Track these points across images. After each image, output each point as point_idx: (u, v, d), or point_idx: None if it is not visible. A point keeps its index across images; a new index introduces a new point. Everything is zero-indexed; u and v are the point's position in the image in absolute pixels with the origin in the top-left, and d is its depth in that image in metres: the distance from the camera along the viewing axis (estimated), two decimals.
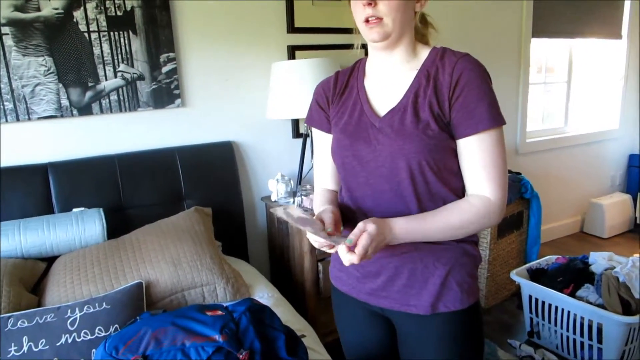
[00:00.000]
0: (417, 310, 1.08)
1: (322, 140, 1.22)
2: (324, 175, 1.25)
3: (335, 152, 1.14)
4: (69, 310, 1.37)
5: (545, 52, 3.76)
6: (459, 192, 1.07)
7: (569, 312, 2.27)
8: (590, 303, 2.21)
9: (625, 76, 4.01)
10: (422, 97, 1.03)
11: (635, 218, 4.06)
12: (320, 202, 1.19)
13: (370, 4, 0.99)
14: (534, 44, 3.42)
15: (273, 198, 2.33)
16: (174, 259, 1.67)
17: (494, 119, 0.99)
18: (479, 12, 3.07)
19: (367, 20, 1.01)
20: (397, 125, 1.03)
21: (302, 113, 2.15)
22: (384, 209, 1.07)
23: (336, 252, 1.24)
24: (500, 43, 3.25)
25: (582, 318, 2.22)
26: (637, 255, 2.62)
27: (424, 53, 1.09)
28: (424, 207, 1.04)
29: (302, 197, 2.11)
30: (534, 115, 3.77)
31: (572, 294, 2.31)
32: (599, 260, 2.45)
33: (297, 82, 2.13)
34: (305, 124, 1.25)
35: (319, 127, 1.22)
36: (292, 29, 2.41)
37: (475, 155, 1.00)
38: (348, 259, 0.91)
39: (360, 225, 0.94)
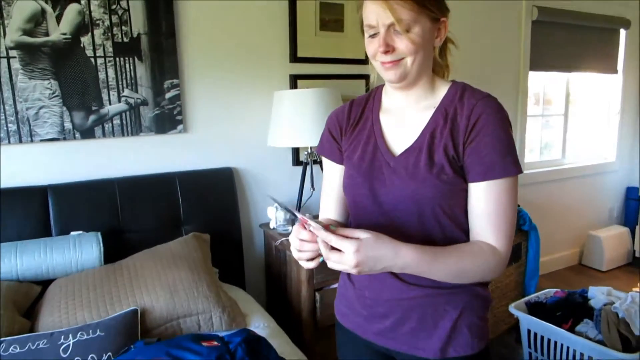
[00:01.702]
0: (425, 354, 1.04)
1: (332, 171, 1.18)
2: (330, 206, 1.20)
3: (348, 189, 1.11)
4: (62, 337, 1.36)
5: (543, 84, 3.81)
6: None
7: (568, 347, 2.24)
8: (590, 339, 2.19)
9: (622, 110, 4.06)
10: (438, 138, 0.99)
11: (634, 251, 4.05)
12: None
13: (387, 52, 0.96)
14: (531, 76, 3.48)
15: (271, 225, 2.33)
16: (171, 286, 1.66)
17: (506, 169, 0.95)
18: (478, 44, 3.13)
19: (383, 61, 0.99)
20: (411, 168, 1.00)
21: (303, 142, 2.17)
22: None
23: (339, 283, 1.22)
24: (499, 75, 3.30)
25: (581, 354, 2.19)
26: (636, 289, 2.61)
27: (442, 90, 1.05)
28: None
29: None
30: (532, 147, 3.80)
31: (571, 329, 2.28)
32: (598, 295, 2.44)
33: (298, 111, 2.15)
34: (316, 153, 1.21)
35: (329, 157, 1.18)
36: (294, 58, 2.45)
37: (482, 203, 0.97)
38: (325, 253, 0.86)
39: (355, 231, 0.88)
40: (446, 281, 0.98)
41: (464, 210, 1.01)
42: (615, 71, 3.95)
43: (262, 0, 2.34)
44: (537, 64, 3.47)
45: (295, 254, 0.95)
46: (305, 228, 0.91)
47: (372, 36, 0.98)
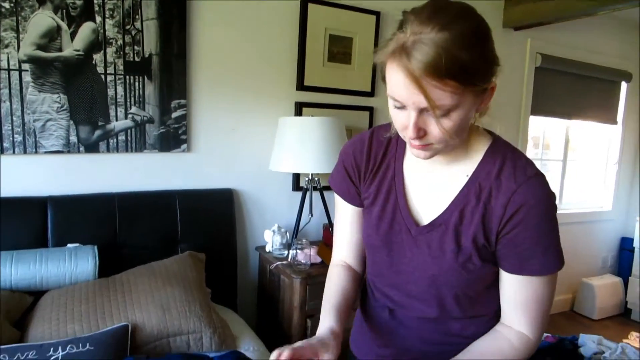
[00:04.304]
0: None
1: (347, 211, 1.06)
2: (345, 247, 1.09)
3: (366, 245, 1.03)
4: (52, 349, 1.35)
5: (543, 128, 3.87)
6: (496, 311, 0.94)
7: None
8: None
9: (620, 160, 4.11)
10: (467, 219, 0.87)
11: (626, 302, 4.03)
12: (332, 292, 1.00)
13: (418, 137, 0.80)
14: (532, 120, 3.54)
15: (267, 249, 2.33)
16: (163, 304, 1.65)
17: (546, 266, 0.84)
18: None
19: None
20: (435, 249, 0.89)
21: (304, 168, 2.20)
22: (412, 312, 0.98)
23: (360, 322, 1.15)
24: (501, 117, 3.36)
25: None
26: (627, 341, 2.60)
27: (478, 153, 0.90)
28: (457, 322, 0.95)
29: (297, 250, 2.11)
30: None
31: None
32: (588, 343, 2.43)
33: (302, 138, 2.19)
34: (329, 184, 1.09)
35: (344, 198, 1.05)
36: (301, 86, 2.50)
37: (517, 294, 0.88)
38: None
39: None
40: None
41: (489, 290, 0.93)
42: (615, 122, 4.01)
43: (273, 28, 2.40)
44: (538, 109, 3.54)
45: None
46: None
47: (399, 108, 0.80)
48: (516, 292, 0.88)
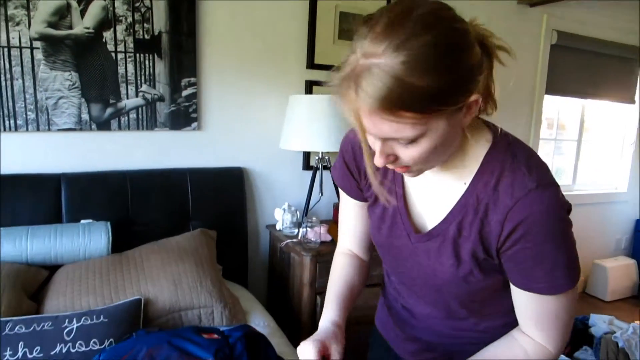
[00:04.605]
0: None
1: (350, 203, 1.04)
2: (350, 238, 1.08)
3: (374, 243, 1.01)
4: (67, 320, 1.38)
5: (558, 109, 3.81)
6: (510, 307, 0.87)
7: None
8: None
9: (636, 141, 4.03)
10: (466, 231, 0.81)
11: (639, 284, 4.01)
12: (336, 283, 1.00)
13: (390, 162, 0.74)
14: (546, 100, 3.48)
15: (278, 227, 2.35)
16: (175, 279, 1.68)
17: (553, 287, 0.76)
18: (496, 64, 3.14)
19: None
20: (434, 260, 0.85)
21: (315, 146, 2.20)
22: (421, 309, 0.99)
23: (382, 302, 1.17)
24: (514, 97, 3.30)
25: None
26: (638, 322, 2.59)
27: (477, 156, 0.80)
28: (468, 320, 0.94)
29: (307, 228, 2.12)
30: None
31: (570, 355, 2.27)
32: (599, 323, 2.42)
33: (313, 116, 2.18)
34: (333, 180, 1.09)
35: (347, 194, 1.02)
36: (311, 65, 2.48)
37: (528, 309, 0.82)
38: None
39: None
40: None
41: (498, 292, 0.88)
42: (632, 101, 3.92)
43: (283, 6, 2.38)
44: (553, 88, 3.47)
45: None
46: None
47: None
48: (527, 308, 0.82)
